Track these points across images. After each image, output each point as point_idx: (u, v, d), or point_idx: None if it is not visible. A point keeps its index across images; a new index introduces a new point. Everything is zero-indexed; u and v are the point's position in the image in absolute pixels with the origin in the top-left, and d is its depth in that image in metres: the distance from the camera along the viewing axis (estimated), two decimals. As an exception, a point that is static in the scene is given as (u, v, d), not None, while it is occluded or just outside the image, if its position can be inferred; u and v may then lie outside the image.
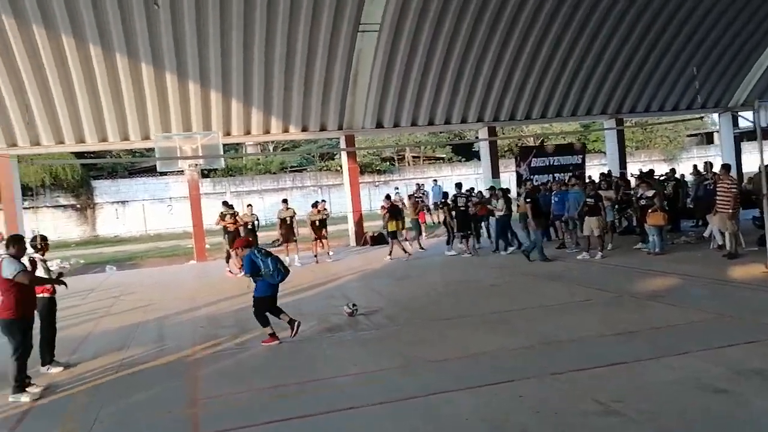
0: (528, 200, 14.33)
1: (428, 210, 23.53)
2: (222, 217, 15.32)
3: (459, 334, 7.77)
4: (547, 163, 21.57)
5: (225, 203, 16.02)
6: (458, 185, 16.76)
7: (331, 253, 16.85)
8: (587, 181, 16.37)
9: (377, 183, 38.78)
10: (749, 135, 25.63)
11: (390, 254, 15.81)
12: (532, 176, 20.89)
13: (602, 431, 4.57)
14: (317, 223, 16.31)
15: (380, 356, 7.07)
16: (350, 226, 20.77)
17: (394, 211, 16.28)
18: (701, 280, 10.10)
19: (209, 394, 6.22)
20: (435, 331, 8.05)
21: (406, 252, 15.90)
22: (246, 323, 8.88)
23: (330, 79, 18.35)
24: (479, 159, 42.92)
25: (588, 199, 13.40)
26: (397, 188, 27.79)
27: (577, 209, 13.88)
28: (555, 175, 20.61)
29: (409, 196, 22.04)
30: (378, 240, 19.86)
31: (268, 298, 8.15)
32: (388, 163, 44.61)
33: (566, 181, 16.99)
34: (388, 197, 21.98)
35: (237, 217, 15.37)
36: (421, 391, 5.71)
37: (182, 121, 17.99)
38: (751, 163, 22.48)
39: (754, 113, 11.26)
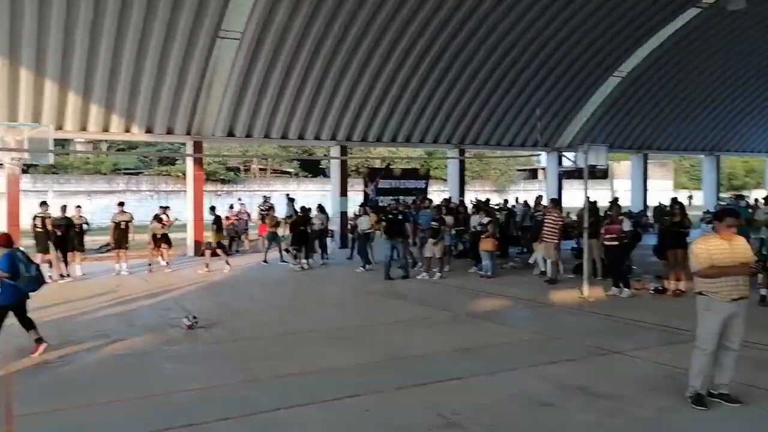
0: (383, 219, 14.75)
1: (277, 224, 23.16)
2: (37, 218, 14.15)
3: (306, 349, 7.72)
4: (394, 186, 22.30)
5: (43, 203, 14.71)
6: (291, 200, 17.08)
7: (166, 263, 16.00)
8: (433, 205, 17.14)
9: (220, 192, 37.63)
10: (569, 173, 28.54)
11: (207, 266, 15.33)
12: (378, 197, 21.48)
13: (444, 443, 4.77)
14: (158, 235, 15.58)
15: (223, 371, 6.81)
16: (189, 235, 19.89)
17: (219, 223, 16.35)
18: (527, 302, 10.98)
19: (28, 411, 5.59)
20: (281, 346, 7.94)
21: (228, 264, 15.50)
22: (70, 334, 8.12)
23: (182, 82, 17.54)
24: (326, 176, 43.49)
25: (433, 223, 14.05)
26: (241, 199, 27.10)
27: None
28: (400, 197, 21.36)
29: (263, 208, 21.57)
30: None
31: (13, 306, 7.38)
32: (233, 173, 43.52)
33: (414, 203, 17.74)
34: (231, 207, 21.51)
35: (46, 221, 14.16)
36: (267, 406, 5.58)
37: (8, 109, 16.20)
38: (568, 198, 25.03)
39: (576, 154, 12.53)
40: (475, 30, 19.35)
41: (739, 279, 5.38)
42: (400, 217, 14.46)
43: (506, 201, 20.29)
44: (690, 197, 27.68)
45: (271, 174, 46.87)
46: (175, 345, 8.02)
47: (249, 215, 21.91)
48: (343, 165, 22.37)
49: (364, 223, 15.66)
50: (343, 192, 21.76)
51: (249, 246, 20.74)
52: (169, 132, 18.84)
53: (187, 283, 13.58)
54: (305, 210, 16.64)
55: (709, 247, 5.40)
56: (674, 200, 13.57)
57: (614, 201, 13.53)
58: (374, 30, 18.27)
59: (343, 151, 21.96)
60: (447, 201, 19.03)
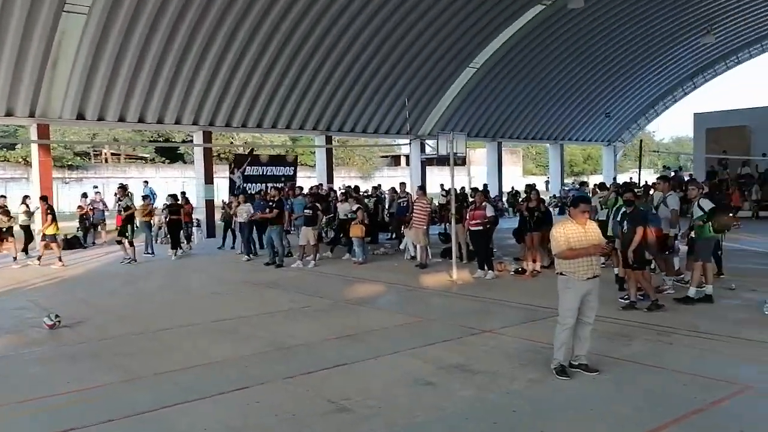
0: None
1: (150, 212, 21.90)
2: None
3: (184, 344, 7.51)
4: (261, 173, 21.93)
5: None
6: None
7: (14, 258, 14.67)
8: (305, 193, 17.12)
9: (68, 180, 34.89)
10: (430, 160, 29.72)
11: (39, 259, 14.39)
12: (245, 184, 21.05)
13: (338, 428, 4.91)
14: (3, 229, 14.24)
15: (97, 371, 6.45)
16: (38, 227, 18.28)
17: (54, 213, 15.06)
18: (400, 287, 11.39)
19: None
20: (156, 342, 7.65)
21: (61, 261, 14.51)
22: None
23: (23, 59, 16.02)
24: (185, 162, 41.67)
25: (306, 210, 14.07)
26: (96, 187, 25.30)
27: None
28: (268, 184, 21.07)
29: (119, 196, 20.24)
30: (72, 244, 17.94)
31: None
32: (80, 158, 40.43)
33: (282, 190, 17.59)
34: (85, 195, 20.05)
35: None
36: (152, 405, 5.39)
37: None
38: (431, 185, 26.10)
39: (438, 142, 12.96)
40: (337, 18, 19.50)
41: (593, 259, 5.99)
42: (273, 204, 14.32)
43: (375, 187, 20.74)
44: (547, 182, 30.00)
45: (126, 160, 44.13)
46: (39, 347, 7.45)
47: (105, 204, 20.53)
48: (208, 151, 21.66)
49: (245, 213, 15.22)
50: (209, 179, 21.08)
51: (106, 238, 19.48)
52: (9, 114, 17.26)
53: (41, 280, 12.57)
54: (175, 197, 16.02)
55: (567, 231, 5.95)
56: (530, 186, 14.63)
57: (480, 188, 14.35)
58: (235, 11, 17.77)
59: (207, 136, 21.25)
60: (317, 188, 19.10)
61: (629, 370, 6.13)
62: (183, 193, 18.38)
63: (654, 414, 4.98)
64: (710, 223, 9.07)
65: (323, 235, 16.59)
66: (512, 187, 31.21)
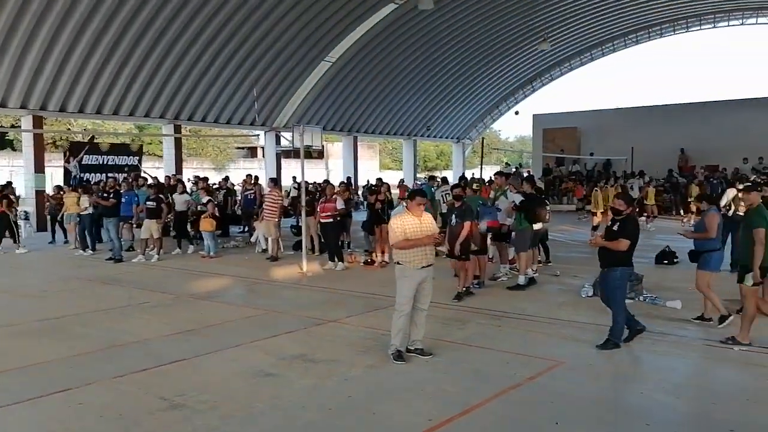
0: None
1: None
2: None
3: (4, 346, 6.84)
4: (101, 162, 20.52)
5: None
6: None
7: None
8: (148, 183, 16.22)
9: None
10: (288, 153, 29.50)
11: None
12: (83, 173, 19.58)
13: (168, 425, 4.73)
14: None
15: None
16: None
17: None
18: (249, 280, 11.21)
19: None
20: (-33, 346, 6.90)
21: None
22: None
23: None
24: (14, 149, 37.87)
25: (149, 203, 13.37)
26: None
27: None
28: (108, 174, 19.72)
29: None
30: None
31: None
32: None
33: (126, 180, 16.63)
34: None
35: None
36: (-45, 415, 4.87)
37: None
38: (287, 176, 25.91)
39: (293, 134, 12.98)
40: (185, 2, 18.65)
41: (427, 249, 6.26)
42: (111, 195, 13.46)
43: (226, 179, 20.19)
44: (402, 179, 31.10)
45: (-59, 145, 39.22)
46: None
47: None
48: (39, 138, 19.85)
49: (86, 203, 14.12)
50: (39, 168, 19.34)
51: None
52: None
53: None
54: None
55: (404, 223, 6.21)
56: (379, 180, 15.02)
57: (343, 180, 14.44)
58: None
59: (37, 122, 19.48)
60: (168, 178, 18.23)
61: (461, 352, 6.52)
62: (8, 183, 16.73)
63: (478, 391, 5.34)
64: (521, 214, 9.82)
65: (169, 228, 15.87)
66: (367, 181, 31.81)
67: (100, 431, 4.63)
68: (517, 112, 35.23)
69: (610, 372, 6.06)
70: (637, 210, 20.76)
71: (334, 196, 12.44)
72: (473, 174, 24.74)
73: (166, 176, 19.85)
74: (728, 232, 9.48)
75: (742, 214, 8.90)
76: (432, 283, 6.36)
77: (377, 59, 26.46)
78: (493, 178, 13.63)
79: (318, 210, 12.68)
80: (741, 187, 10.32)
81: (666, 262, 12.05)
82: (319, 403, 5.15)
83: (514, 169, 29.10)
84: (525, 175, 18.82)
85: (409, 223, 6.21)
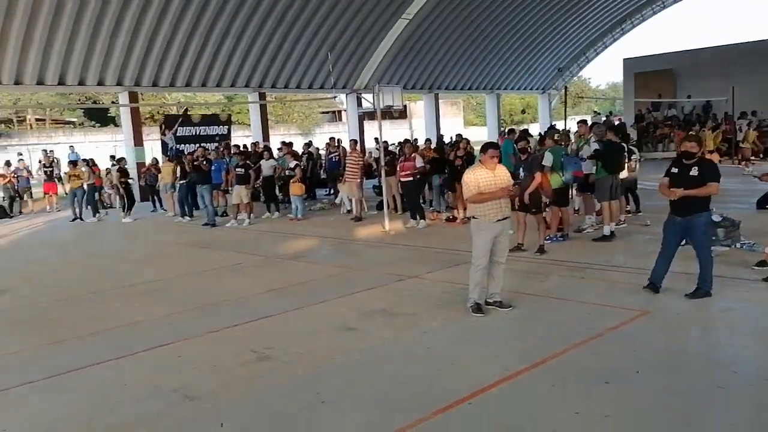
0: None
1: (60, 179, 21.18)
2: None
3: (111, 307, 7.49)
4: (194, 133, 21.47)
5: None
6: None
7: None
8: (236, 151, 16.89)
9: (-8, 148, 33.29)
10: (371, 114, 29.63)
11: None
12: (178, 145, 20.60)
13: (259, 374, 5.05)
14: None
15: (20, 337, 6.41)
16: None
17: None
18: (334, 240, 11.53)
19: None
20: (82, 306, 7.60)
21: None
22: None
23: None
24: (117, 125, 40.26)
25: (238, 169, 13.92)
26: (21, 154, 24.27)
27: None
28: (202, 144, 20.65)
29: (45, 163, 19.50)
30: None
31: None
32: (3, 125, 38.60)
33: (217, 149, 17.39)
34: (8, 164, 19.29)
35: None
36: (76, 364, 5.42)
37: None
38: (370, 138, 26.09)
39: (373, 96, 13.04)
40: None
41: (502, 202, 6.18)
42: (204, 163, 14.13)
43: (309, 144, 20.64)
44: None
45: (52, 124, 42.27)
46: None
47: (30, 172, 19.79)
48: (135, 112, 20.98)
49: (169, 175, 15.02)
50: (138, 141, 20.51)
51: (34, 207, 18.83)
52: None
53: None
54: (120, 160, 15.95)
55: (477, 177, 6.15)
56: (459, 136, 14.85)
57: (406, 140, 14.45)
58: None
59: (133, 97, 20.58)
60: (254, 145, 18.87)
61: (541, 304, 6.48)
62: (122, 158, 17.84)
63: (557, 341, 5.31)
64: (599, 163, 9.45)
65: (258, 193, 16.48)
66: (451, 138, 31.49)
67: (193, 381, 5.00)
68: (559, 69, 32.68)
69: (699, 321, 5.85)
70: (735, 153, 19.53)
71: (413, 155, 12.46)
72: (553, 124, 23.93)
73: (253, 143, 20.51)
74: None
75: None
76: (508, 236, 6.31)
77: (455, 12, 25.85)
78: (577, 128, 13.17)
79: (398, 169, 12.76)
80: None
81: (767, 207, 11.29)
82: (399, 354, 5.31)
83: (604, 118, 27.89)
84: (615, 122, 18.01)
85: (482, 176, 6.16)
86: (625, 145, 10.30)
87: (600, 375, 4.61)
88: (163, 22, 18.77)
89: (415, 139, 18.52)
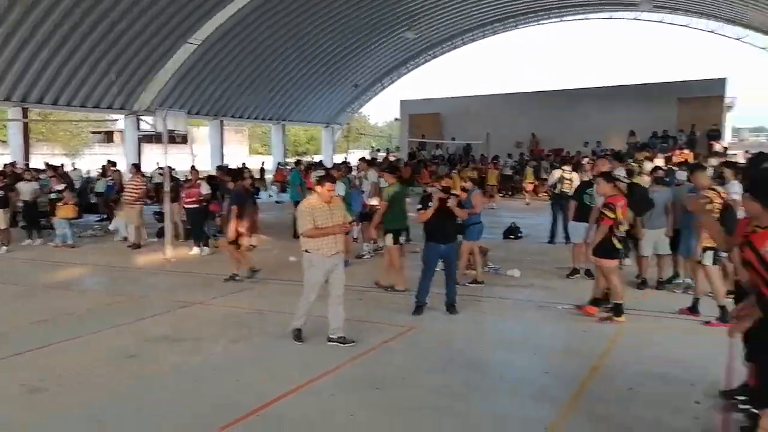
0: None
1: None
2: None
3: None
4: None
5: None
6: None
7: None
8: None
9: None
10: (147, 137, 28.31)
11: None
12: None
13: (30, 408, 4.78)
14: None
15: None
16: None
17: None
18: (110, 268, 10.94)
19: None
20: None
21: None
22: None
23: None
24: None
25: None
26: None
27: None
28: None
29: None
30: None
31: None
32: None
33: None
34: None
35: None
36: None
37: None
38: (148, 162, 24.99)
39: (155, 119, 12.67)
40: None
41: (337, 237, 6.13)
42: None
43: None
44: (263, 163, 30.84)
45: None
46: None
47: None
48: None
49: None
50: None
51: None
52: None
53: None
54: None
55: (313, 210, 6.01)
56: (243, 165, 15.09)
57: (192, 167, 14.26)
58: None
59: None
60: (11, 165, 17.05)
61: (322, 326, 6.94)
62: None
63: (336, 356, 5.85)
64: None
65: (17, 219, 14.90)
66: (236, 166, 31.38)
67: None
68: (356, 86, 35.25)
69: (458, 332, 6.82)
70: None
71: (198, 182, 12.39)
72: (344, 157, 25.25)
73: (5, 164, 18.50)
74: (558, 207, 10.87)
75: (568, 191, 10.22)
76: (343, 270, 6.31)
77: (243, 44, 26.14)
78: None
79: (182, 195, 12.56)
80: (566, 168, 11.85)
81: (512, 236, 13.30)
82: (183, 377, 5.40)
83: (383, 154, 30.12)
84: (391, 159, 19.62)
85: (318, 209, 6.04)
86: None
87: (366, 380, 5.22)
88: None
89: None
